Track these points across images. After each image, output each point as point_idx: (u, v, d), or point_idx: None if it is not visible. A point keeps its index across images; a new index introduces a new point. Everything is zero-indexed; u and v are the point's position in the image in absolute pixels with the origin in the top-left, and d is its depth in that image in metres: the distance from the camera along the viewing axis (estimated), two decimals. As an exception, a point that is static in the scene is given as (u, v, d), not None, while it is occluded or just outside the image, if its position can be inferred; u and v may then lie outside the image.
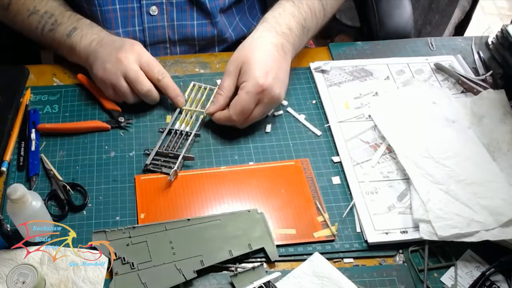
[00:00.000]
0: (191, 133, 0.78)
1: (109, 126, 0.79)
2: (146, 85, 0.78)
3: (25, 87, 0.85)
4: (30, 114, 0.80)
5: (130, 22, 0.88)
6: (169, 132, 0.79)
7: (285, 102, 0.84)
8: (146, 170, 0.75)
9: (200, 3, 0.88)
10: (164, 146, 0.77)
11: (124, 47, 0.78)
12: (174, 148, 0.76)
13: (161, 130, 0.79)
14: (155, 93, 0.80)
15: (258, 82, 0.73)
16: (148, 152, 0.76)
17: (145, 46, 0.91)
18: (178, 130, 0.79)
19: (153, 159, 0.75)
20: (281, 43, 0.78)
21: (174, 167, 0.73)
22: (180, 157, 0.74)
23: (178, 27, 0.90)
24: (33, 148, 0.76)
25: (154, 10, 0.88)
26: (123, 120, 0.80)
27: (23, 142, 0.77)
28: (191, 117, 0.81)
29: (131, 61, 0.77)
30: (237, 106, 0.74)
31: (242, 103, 0.74)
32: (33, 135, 0.77)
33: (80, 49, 0.81)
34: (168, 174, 0.73)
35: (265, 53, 0.76)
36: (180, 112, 0.81)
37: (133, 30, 0.89)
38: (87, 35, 0.81)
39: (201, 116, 0.80)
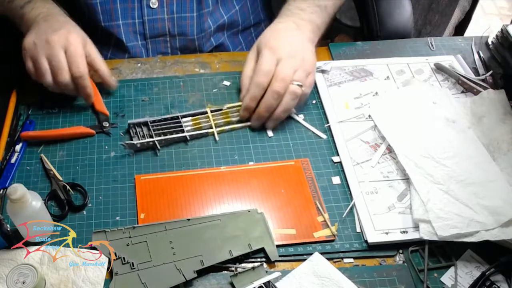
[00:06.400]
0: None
1: (93, 131, 0.79)
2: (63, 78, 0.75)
3: (25, 87, 0.85)
4: (25, 125, 0.79)
5: (130, 15, 0.88)
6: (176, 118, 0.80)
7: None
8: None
9: None
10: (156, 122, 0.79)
11: (60, 30, 0.76)
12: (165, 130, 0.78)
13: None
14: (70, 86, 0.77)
15: (264, 43, 0.79)
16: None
17: (145, 39, 0.92)
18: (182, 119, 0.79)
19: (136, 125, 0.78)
20: (291, 20, 0.83)
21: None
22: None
23: (177, 19, 0.91)
24: (12, 160, 0.74)
25: (154, 2, 0.88)
26: (107, 125, 0.79)
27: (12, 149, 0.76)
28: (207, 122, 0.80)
29: (57, 48, 0.75)
30: (256, 69, 0.78)
31: (260, 62, 0.77)
32: (18, 147, 0.76)
33: (27, 19, 0.80)
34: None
35: (273, 28, 0.82)
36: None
37: (133, 22, 0.90)
38: (38, 8, 0.81)
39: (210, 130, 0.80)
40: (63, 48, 0.76)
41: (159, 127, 0.78)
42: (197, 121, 0.80)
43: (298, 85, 0.76)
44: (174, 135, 0.77)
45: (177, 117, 0.80)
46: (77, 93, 0.79)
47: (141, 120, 0.79)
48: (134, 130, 0.78)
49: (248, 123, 0.80)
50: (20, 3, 0.82)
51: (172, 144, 0.78)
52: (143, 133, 0.78)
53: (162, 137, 0.77)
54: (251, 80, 0.78)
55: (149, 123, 0.78)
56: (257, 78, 0.77)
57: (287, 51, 0.77)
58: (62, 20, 0.80)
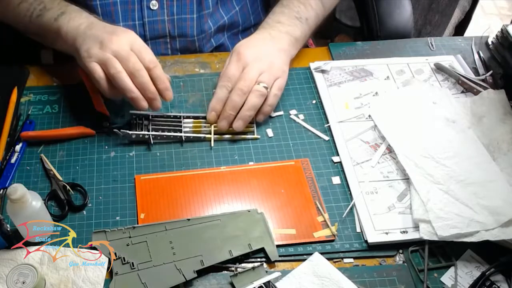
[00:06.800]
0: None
1: (93, 131, 0.78)
2: (137, 65, 0.72)
3: (25, 87, 0.85)
4: (25, 125, 0.79)
5: (131, 16, 0.88)
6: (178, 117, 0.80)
7: (285, 102, 0.84)
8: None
9: None
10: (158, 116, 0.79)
11: (117, 31, 0.75)
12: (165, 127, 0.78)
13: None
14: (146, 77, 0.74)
15: (235, 49, 0.81)
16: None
17: (145, 40, 0.91)
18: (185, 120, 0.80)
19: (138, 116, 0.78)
20: (267, 32, 0.84)
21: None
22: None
23: (178, 21, 0.91)
24: (12, 160, 0.74)
25: (154, 4, 0.88)
26: (107, 125, 0.79)
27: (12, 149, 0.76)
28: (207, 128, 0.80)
29: (123, 42, 0.73)
30: (222, 74, 0.80)
31: (226, 67, 0.80)
32: (18, 147, 0.75)
33: (66, 31, 0.77)
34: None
35: (247, 38, 0.84)
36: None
37: (133, 24, 0.89)
38: (75, 19, 0.78)
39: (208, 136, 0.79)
40: (128, 45, 0.73)
41: (159, 123, 0.78)
42: (198, 124, 0.80)
43: (264, 87, 0.77)
44: (171, 133, 0.77)
45: (179, 117, 0.80)
46: (143, 98, 0.74)
47: (143, 112, 0.78)
48: (134, 122, 0.78)
49: (249, 136, 0.79)
50: (52, 15, 0.79)
51: (170, 143, 0.78)
52: (142, 127, 0.78)
53: (157, 133, 0.77)
54: (217, 84, 0.80)
55: (150, 117, 0.78)
56: (221, 82, 0.79)
57: (253, 56, 0.79)
58: (109, 25, 0.78)
